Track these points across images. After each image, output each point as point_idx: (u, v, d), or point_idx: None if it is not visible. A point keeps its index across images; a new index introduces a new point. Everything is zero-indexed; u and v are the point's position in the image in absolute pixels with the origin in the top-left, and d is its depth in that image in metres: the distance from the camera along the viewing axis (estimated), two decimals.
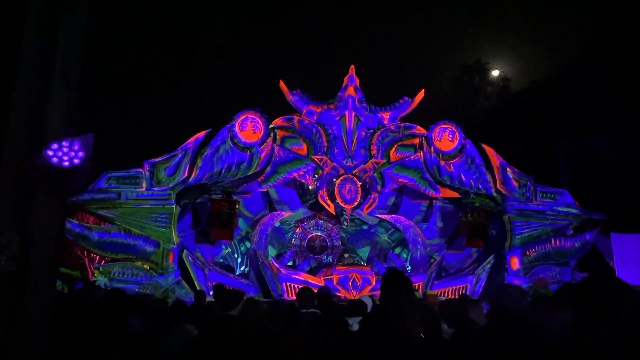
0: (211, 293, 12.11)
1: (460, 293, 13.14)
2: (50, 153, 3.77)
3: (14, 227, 3.94)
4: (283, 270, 13.08)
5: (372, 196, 13.83)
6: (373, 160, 13.84)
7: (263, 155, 13.14)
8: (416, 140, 14.16)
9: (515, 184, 14.16)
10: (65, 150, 3.77)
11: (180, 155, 12.60)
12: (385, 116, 14.13)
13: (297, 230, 15.41)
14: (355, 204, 13.75)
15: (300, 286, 12.49)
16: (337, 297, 11.77)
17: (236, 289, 11.55)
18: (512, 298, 3.51)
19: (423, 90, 14.36)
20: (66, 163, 3.76)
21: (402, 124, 14.18)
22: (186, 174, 12.50)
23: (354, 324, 4.97)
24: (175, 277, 12.34)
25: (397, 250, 15.96)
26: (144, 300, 7.25)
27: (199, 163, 12.66)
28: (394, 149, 14.08)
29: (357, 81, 14.14)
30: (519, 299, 3.52)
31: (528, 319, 3.34)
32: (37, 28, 4.51)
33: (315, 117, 13.85)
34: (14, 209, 3.98)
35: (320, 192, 13.73)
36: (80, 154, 3.81)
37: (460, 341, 3.80)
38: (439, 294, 12.27)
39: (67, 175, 3.79)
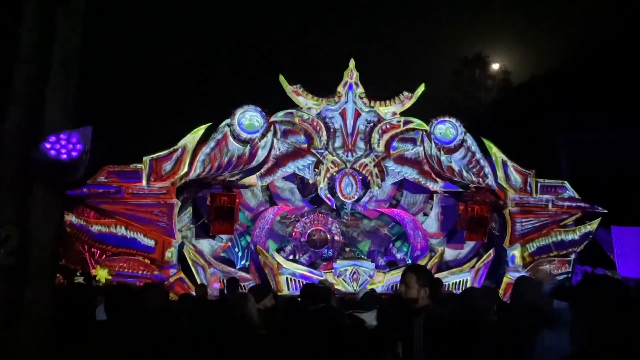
0: (215, 285, 12.21)
1: (461, 287, 13.16)
2: (48, 146, 3.75)
3: (12, 221, 3.93)
4: (283, 264, 13.09)
5: (372, 190, 13.82)
6: (373, 154, 13.82)
7: (263, 149, 13.13)
8: (417, 135, 14.13)
9: (515, 177, 14.15)
10: (63, 142, 3.76)
11: (180, 150, 12.60)
12: (386, 110, 14.11)
13: (298, 224, 15.42)
14: (356, 197, 13.75)
15: (301, 280, 12.56)
16: (338, 291, 11.79)
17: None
18: (529, 290, 3.55)
19: (423, 84, 14.33)
20: (64, 156, 3.75)
21: (403, 118, 14.15)
22: (186, 169, 12.50)
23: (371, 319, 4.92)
24: (175, 271, 12.35)
25: (398, 243, 15.97)
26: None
27: (199, 158, 12.65)
28: (394, 142, 14.05)
29: (357, 75, 14.11)
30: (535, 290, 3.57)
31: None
32: (35, 21, 4.49)
33: (315, 111, 13.82)
34: (12, 202, 3.97)
35: (321, 186, 13.71)
36: (78, 146, 3.80)
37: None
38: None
39: (65, 167, 3.78)
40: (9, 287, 3.97)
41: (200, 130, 12.85)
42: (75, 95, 4.31)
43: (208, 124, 13.03)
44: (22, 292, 3.99)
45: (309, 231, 15.38)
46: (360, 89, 14.04)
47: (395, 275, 12.94)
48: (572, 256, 14.44)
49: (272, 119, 13.40)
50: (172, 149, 12.61)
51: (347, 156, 13.76)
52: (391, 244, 15.98)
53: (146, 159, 12.42)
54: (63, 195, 4.16)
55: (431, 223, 15.68)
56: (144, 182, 12.32)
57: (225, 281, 11.82)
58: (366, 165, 13.79)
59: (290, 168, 13.59)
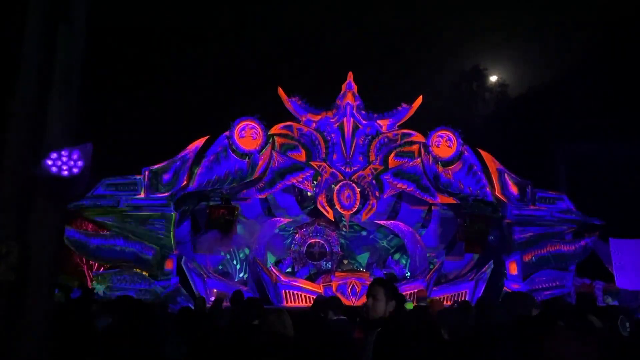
0: (212, 299, 12.12)
1: (460, 299, 13.12)
2: (49, 162, 3.78)
3: (13, 236, 3.94)
4: (282, 277, 13.06)
5: (371, 202, 13.84)
6: (372, 166, 13.87)
7: (262, 162, 13.16)
8: (415, 147, 14.19)
9: (514, 189, 14.16)
10: (64, 159, 3.78)
11: (178, 162, 12.62)
12: (384, 123, 14.17)
13: (296, 236, 15.40)
14: (354, 210, 13.76)
15: (299, 293, 12.55)
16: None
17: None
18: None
19: (421, 96, 14.41)
20: (65, 172, 3.77)
21: (401, 131, 14.22)
22: (185, 181, 12.51)
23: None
24: (174, 283, 12.31)
25: (396, 256, 15.94)
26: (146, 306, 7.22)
27: (198, 170, 12.67)
28: (392, 155, 14.11)
29: (355, 88, 14.19)
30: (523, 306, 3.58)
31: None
32: (36, 37, 4.53)
33: (313, 124, 13.88)
34: (13, 218, 3.98)
35: (319, 198, 13.73)
36: (80, 163, 3.83)
37: (457, 347, 3.81)
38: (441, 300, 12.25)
39: (66, 184, 3.81)
40: (9, 302, 3.97)
41: (198, 143, 12.89)
42: (76, 112, 4.35)
43: (207, 136, 13.08)
44: (22, 307, 3.99)
45: (307, 243, 15.36)
46: (359, 102, 14.10)
47: None
48: (571, 268, 14.43)
49: (271, 131, 13.46)
50: (170, 160, 12.63)
51: (345, 168, 13.81)
52: (390, 256, 15.95)
53: (144, 170, 12.43)
54: (63, 211, 4.18)
55: (430, 235, 15.67)
56: (142, 194, 12.32)
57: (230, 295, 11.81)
58: (364, 177, 13.83)
59: (289, 180, 13.61)
